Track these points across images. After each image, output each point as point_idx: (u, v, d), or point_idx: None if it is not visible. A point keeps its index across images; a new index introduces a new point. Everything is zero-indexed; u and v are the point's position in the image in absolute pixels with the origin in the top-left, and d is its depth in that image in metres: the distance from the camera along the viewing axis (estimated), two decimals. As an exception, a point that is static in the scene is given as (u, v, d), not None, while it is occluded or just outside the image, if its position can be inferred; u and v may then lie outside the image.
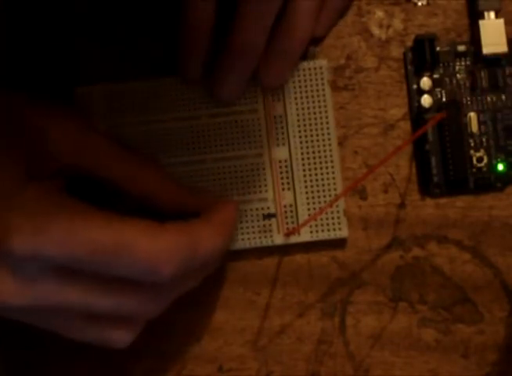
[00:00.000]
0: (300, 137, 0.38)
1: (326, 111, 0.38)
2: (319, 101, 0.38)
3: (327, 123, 0.38)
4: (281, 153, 0.38)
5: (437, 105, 0.39)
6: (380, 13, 0.39)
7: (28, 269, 0.31)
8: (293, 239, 0.38)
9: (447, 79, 0.39)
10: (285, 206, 0.38)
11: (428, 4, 0.39)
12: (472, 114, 0.39)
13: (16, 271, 0.31)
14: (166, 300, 0.34)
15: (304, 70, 0.38)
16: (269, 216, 0.38)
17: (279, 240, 0.38)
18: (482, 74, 0.39)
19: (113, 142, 0.34)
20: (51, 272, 0.31)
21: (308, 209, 0.38)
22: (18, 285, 0.31)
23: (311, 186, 0.38)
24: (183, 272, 0.32)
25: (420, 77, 0.39)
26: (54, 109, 0.34)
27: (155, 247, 0.31)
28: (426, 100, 0.39)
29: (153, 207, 0.35)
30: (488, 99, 0.39)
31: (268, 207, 0.38)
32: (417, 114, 0.39)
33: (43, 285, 0.31)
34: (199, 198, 0.36)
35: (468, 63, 0.39)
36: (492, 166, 0.39)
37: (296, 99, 0.38)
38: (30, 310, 0.32)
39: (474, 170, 0.39)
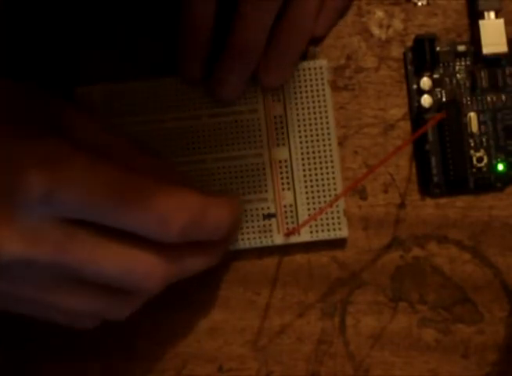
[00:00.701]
0: (300, 137, 0.38)
1: (326, 111, 0.38)
2: (319, 101, 0.38)
3: (327, 123, 0.38)
4: (281, 153, 0.38)
5: (437, 105, 0.39)
6: (380, 13, 0.39)
7: (36, 213, 0.29)
8: (293, 239, 0.38)
9: (447, 79, 0.39)
10: (285, 206, 0.38)
11: (428, 4, 0.39)
12: (472, 114, 0.39)
13: (22, 214, 0.29)
14: (173, 267, 0.33)
15: (304, 70, 0.38)
16: (269, 216, 0.38)
17: (279, 240, 0.38)
18: (482, 74, 0.39)
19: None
20: (58, 223, 0.30)
21: (308, 209, 0.38)
22: (20, 230, 0.29)
23: (311, 186, 0.38)
24: (190, 237, 0.32)
25: (420, 77, 0.39)
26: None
27: (167, 202, 0.31)
28: (426, 100, 0.39)
29: None
30: (488, 99, 0.39)
31: (268, 207, 0.38)
32: (417, 114, 0.39)
33: (48, 235, 0.30)
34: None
35: (468, 63, 0.39)
36: (492, 166, 0.39)
37: (296, 99, 0.38)
38: (23, 267, 0.30)
39: (474, 170, 0.39)
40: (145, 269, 0.32)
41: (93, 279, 0.31)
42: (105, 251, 0.31)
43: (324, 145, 0.38)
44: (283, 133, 0.38)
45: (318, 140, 0.38)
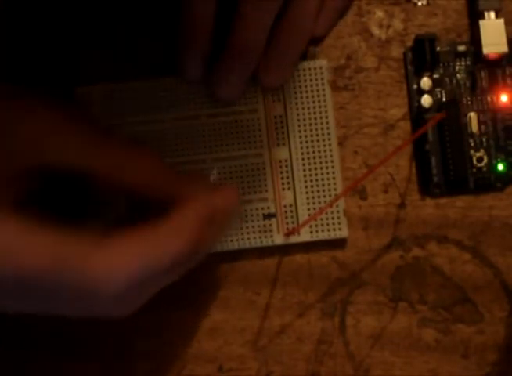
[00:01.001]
0: (300, 137, 0.38)
1: (326, 111, 0.38)
2: (319, 101, 0.38)
3: (327, 123, 0.38)
4: (281, 153, 0.38)
5: (437, 105, 0.39)
6: (380, 13, 0.39)
7: None
8: (294, 239, 0.38)
9: (447, 79, 0.39)
10: (285, 206, 0.38)
11: (428, 4, 0.39)
12: (472, 114, 0.39)
13: None
14: (139, 301, 0.30)
15: (304, 70, 0.38)
16: (269, 216, 0.38)
17: (279, 240, 0.38)
18: (482, 74, 0.39)
19: (100, 130, 0.31)
20: None
21: (308, 209, 0.38)
22: None
23: (312, 186, 0.38)
24: (144, 281, 0.29)
25: (420, 77, 0.39)
26: (33, 100, 0.30)
27: (105, 260, 0.27)
28: (426, 100, 0.39)
29: (143, 202, 0.32)
30: (488, 99, 0.39)
31: (268, 207, 0.38)
32: (417, 114, 0.39)
33: None
34: (196, 187, 0.33)
35: (468, 63, 0.39)
36: (492, 166, 0.39)
37: (296, 99, 0.38)
38: None
39: (474, 170, 0.39)
40: (86, 270, 0.28)
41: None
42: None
43: (324, 145, 0.38)
44: (283, 133, 0.38)
45: (318, 140, 0.38)
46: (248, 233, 0.38)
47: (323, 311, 0.39)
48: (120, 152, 0.31)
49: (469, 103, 0.39)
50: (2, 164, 0.29)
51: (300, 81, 0.38)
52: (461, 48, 0.39)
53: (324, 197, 0.38)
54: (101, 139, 0.30)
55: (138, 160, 0.31)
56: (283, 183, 0.38)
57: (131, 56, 0.39)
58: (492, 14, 0.38)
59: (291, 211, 0.38)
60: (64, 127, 0.30)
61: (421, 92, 0.39)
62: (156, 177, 0.32)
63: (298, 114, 0.38)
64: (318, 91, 0.38)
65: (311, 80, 0.38)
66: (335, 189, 0.38)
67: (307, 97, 0.38)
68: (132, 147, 0.32)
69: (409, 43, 0.39)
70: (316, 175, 0.38)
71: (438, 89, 0.39)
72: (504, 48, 0.38)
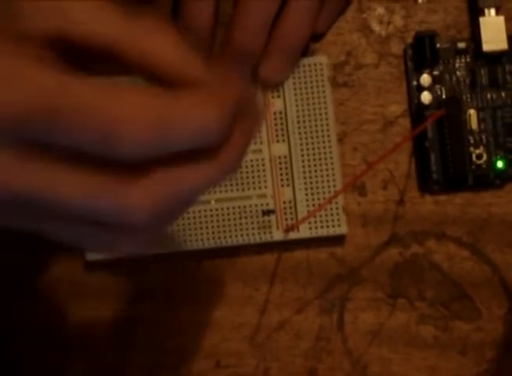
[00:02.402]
0: (299, 133, 0.38)
1: (325, 108, 0.38)
2: (318, 97, 0.38)
3: (327, 119, 0.38)
4: (280, 149, 0.38)
5: (436, 102, 0.39)
6: (380, 10, 0.39)
7: None
8: (293, 235, 0.38)
9: (447, 76, 0.39)
10: (284, 202, 0.38)
11: (428, 1, 0.39)
12: (472, 111, 0.39)
13: None
14: (152, 190, 0.25)
15: (304, 66, 0.38)
16: (268, 212, 0.38)
17: (278, 236, 0.38)
18: (482, 71, 0.39)
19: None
20: (6, 148, 0.24)
21: (308, 205, 0.38)
22: None
23: (311, 183, 0.38)
24: (157, 148, 0.25)
25: (420, 73, 0.39)
26: None
27: (112, 107, 0.24)
28: (426, 97, 0.39)
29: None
30: (488, 96, 0.39)
31: (268, 204, 0.38)
32: (417, 111, 0.39)
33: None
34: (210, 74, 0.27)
35: (468, 60, 0.39)
36: (491, 163, 0.39)
37: (296, 95, 0.38)
38: None
39: (474, 167, 0.39)
40: (119, 197, 0.25)
41: (60, 212, 0.25)
42: (64, 179, 0.25)
43: (324, 141, 0.38)
44: (282, 129, 0.38)
45: (317, 136, 0.38)
46: (247, 229, 0.38)
47: (322, 307, 0.39)
48: (148, 25, 0.26)
49: (469, 100, 0.39)
50: (24, 21, 0.25)
51: (300, 78, 0.38)
52: (461, 45, 0.39)
53: (323, 193, 0.38)
54: (113, 9, 0.26)
55: (153, 33, 0.26)
56: (282, 179, 0.38)
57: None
58: (493, 11, 0.38)
59: (290, 208, 0.38)
60: None
61: (421, 88, 0.39)
62: (170, 54, 0.26)
63: (298, 111, 0.38)
64: (318, 87, 0.38)
65: (311, 76, 0.38)
66: (334, 186, 0.38)
67: (307, 93, 0.38)
68: (163, 24, 0.26)
69: (409, 40, 0.39)
70: (315, 171, 0.38)
71: (437, 86, 0.39)
72: (504, 46, 0.38)
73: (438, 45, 0.39)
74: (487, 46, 0.38)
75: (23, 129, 0.24)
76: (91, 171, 0.25)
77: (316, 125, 0.38)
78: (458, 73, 0.39)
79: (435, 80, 0.39)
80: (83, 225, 0.26)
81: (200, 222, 0.38)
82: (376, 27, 0.39)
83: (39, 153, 0.24)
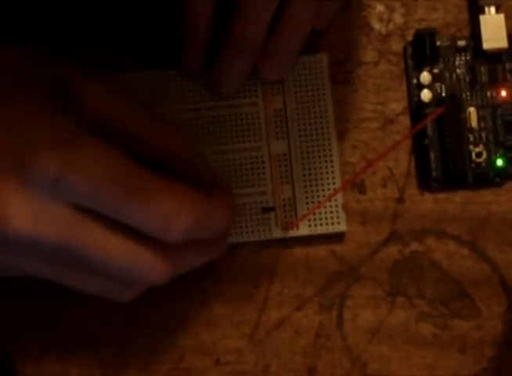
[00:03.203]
0: (299, 131, 0.38)
1: (325, 105, 0.38)
2: (318, 95, 0.38)
3: (327, 117, 0.38)
4: (280, 146, 0.38)
5: (436, 100, 0.39)
6: (380, 7, 0.39)
7: (46, 193, 0.29)
8: (292, 233, 0.38)
9: (447, 74, 0.39)
10: (283, 200, 0.38)
11: (429, -2, 0.39)
12: (472, 109, 0.39)
13: (33, 191, 0.29)
14: (175, 263, 0.33)
15: (304, 63, 0.38)
16: (268, 210, 0.38)
17: (277, 233, 0.38)
18: (482, 69, 0.39)
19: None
20: (68, 207, 0.30)
21: (307, 203, 0.38)
22: (29, 207, 0.29)
23: (310, 180, 0.38)
24: (192, 237, 0.32)
25: (420, 71, 0.39)
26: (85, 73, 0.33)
27: (174, 201, 0.31)
28: (425, 95, 0.39)
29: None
30: (488, 94, 0.39)
31: (267, 201, 0.38)
32: (417, 109, 0.39)
33: (56, 216, 0.30)
34: (211, 176, 0.36)
35: (468, 58, 0.39)
36: (491, 161, 0.39)
37: (296, 92, 0.38)
38: (32, 244, 0.30)
39: (473, 165, 0.39)
40: (148, 264, 0.32)
41: (97, 267, 0.31)
42: (111, 241, 0.31)
43: (323, 139, 0.38)
44: (282, 127, 0.38)
45: (317, 134, 0.38)
46: (247, 226, 0.38)
47: (321, 305, 0.39)
48: (158, 124, 0.34)
49: (468, 97, 0.39)
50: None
51: (299, 75, 0.38)
52: (461, 43, 0.39)
53: (323, 190, 0.38)
54: (143, 110, 0.33)
55: (173, 134, 0.34)
56: (281, 177, 0.38)
57: (132, 48, 0.39)
58: (493, 9, 0.38)
59: (290, 205, 0.38)
60: (110, 92, 0.33)
61: (421, 86, 0.39)
62: (185, 152, 0.34)
63: (298, 108, 0.38)
64: (317, 85, 0.38)
65: (310, 74, 0.38)
66: (334, 184, 0.38)
67: (306, 91, 0.38)
68: (167, 122, 0.34)
69: (410, 37, 0.39)
70: (315, 169, 0.38)
71: (437, 84, 0.39)
72: (504, 44, 0.38)
73: (438, 43, 0.39)
74: (487, 44, 0.38)
75: (94, 202, 0.30)
76: (133, 238, 0.31)
77: (316, 123, 0.38)
78: (458, 71, 0.39)
79: (435, 78, 0.39)
80: (105, 278, 0.32)
81: (200, 220, 0.38)
82: (376, 24, 0.39)
83: (95, 219, 0.31)
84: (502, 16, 0.38)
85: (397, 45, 0.39)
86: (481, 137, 0.39)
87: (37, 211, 0.29)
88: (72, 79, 0.32)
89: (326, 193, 0.38)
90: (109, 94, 0.33)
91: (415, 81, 0.39)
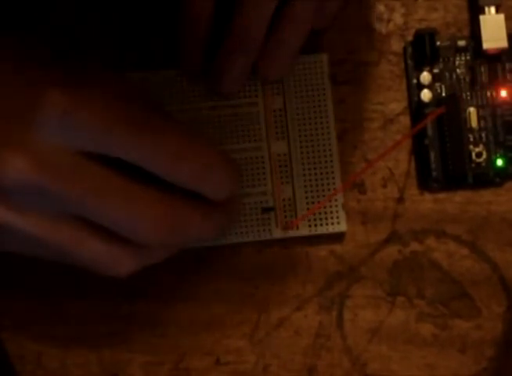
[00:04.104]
0: (299, 131, 0.38)
1: (325, 105, 0.38)
2: (318, 95, 0.38)
3: (327, 117, 0.38)
4: (280, 146, 0.38)
5: (436, 100, 0.39)
6: (380, 7, 0.39)
7: (51, 137, 0.29)
8: (292, 233, 0.38)
9: (447, 74, 0.39)
10: (284, 200, 0.38)
11: (429, -2, 0.40)
12: (472, 109, 0.39)
13: (37, 134, 0.29)
14: (179, 222, 0.32)
15: (304, 63, 0.38)
16: (268, 210, 0.38)
17: (277, 233, 0.38)
18: (482, 69, 0.39)
19: (155, 112, 0.33)
20: (71, 154, 0.30)
21: (307, 203, 0.38)
22: (32, 152, 0.29)
23: (310, 180, 0.38)
24: (196, 185, 0.32)
25: (420, 71, 0.39)
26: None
27: (181, 143, 0.31)
28: (425, 95, 0.39)
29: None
30: (488, 94, 0.39)
31: (267, 201, 0.38)
32: (417, 109, 0.39)
33: (58, 162, 0.30)
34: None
35: (468, 58, 0.39)
36: (491, 161, 0.39)
37: (296, 92, 0.38)
38: (29, 194, 0.30)
39: (473, 165, 0.39)
40: (149, 217, 0.31)
41: (94, 218, 0.31)
42: (111, 191, 0.31)
43: (323, 139, 0.38)
44: (282, 127, 0.38)
45: (317, 134, 0.38)
46: (247, 226, 0.38)
47: (321, 305, 0.39)
48: (175, 141, 0.32)
49: (468, 97, 0.39)
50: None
51: (300, 75, 0.38)
52: (461, 43, 0.39)
53: (323, 190, 0.38)
54: (152, 124, 0.31)
55: (194, 155, 0.32)
56: (281, 177, 0.38)
57: (132, 48, 0.39)
58: (493, 9, 0.38)
59: (290, 205, 0.38)
60: (113, 105, 0.31)
61: (421, 86, 0.39)
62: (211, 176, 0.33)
63: (298, 108, 0.38)
64: (318, 85, 0.38)
65: (311, 74, 0.38)
66: (334, 184, 0.38)
67: (307, 91, 0.38)
68: (189, 136, 0.32)
69: (410, 37, 0.39)
70: (315, 168, 0.38)
71: (437, 84, 0.39)
72: (504, 44, 0.38)
73: (438, 43, 0.39)
74: (487, 44, 0.38)
75: (101, 141, 0.30)
76: (137, 190, 0.31)
77: (316, 123, 0.38)
78: (458, 71, 0.39)
79: (435, 78, 0.39)
80: (105, 240, 0.32)
81: (200, 219, 0.38)
82: (376, 24, 0.39)
83: (98, 167, 0.30)
84: (502, 16, 0.38)
85: (397, 45, 0.39)
86: (481, 137, 0.39)
87: (41, 155, 0.29)
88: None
89: (326, 193, 0.38)
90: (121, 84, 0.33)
91: (415, 81, 0.39)
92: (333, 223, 0.38)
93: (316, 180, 0.38)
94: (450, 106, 0.38)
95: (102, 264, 0.32)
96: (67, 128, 0.29)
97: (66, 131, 0.30)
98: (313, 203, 0.38)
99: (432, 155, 0.39)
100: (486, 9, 0.38)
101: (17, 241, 0.32)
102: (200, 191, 0.32)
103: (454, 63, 0.39)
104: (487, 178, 0.39)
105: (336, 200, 0.38)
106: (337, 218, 0.38)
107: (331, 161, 0.38)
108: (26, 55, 0.31)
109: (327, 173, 0.38)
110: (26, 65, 0.30)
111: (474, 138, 0.39)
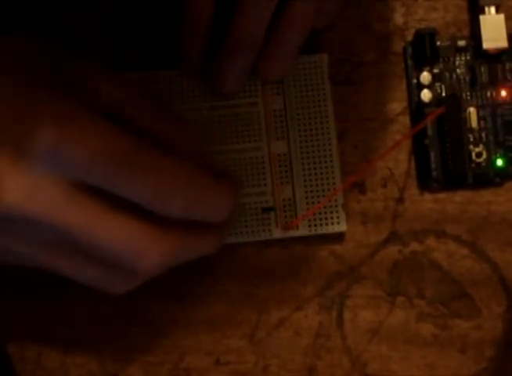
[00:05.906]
0: (299, 131, 0.38)
1: (325, 105, 0.38)
2: (318, 95, 0.38)
3: (327, 117, 0.38)
4: (280, 146, 0.38)
5: (436, 100, 0.39)
6: (380, 7, 0.39)
7: (41, 167, 0.29)
8: (292, 233, 0.38)
9: (447, 74, 0.39)
10: (283, 200, 0.38)
11: (429, -2, 0.40)
12: (472, 109, 0.39)
13: (27, 165, 0.29)
14: (171, 249, 0.32)
15: (304, 63, 0.38)
16: (268, 210, 0.38)
17: (277, 233, 0.38)
18: (482, 69, 0.39)
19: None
20: (61, 183, 0.30)
21: (307, 203, 0.38)
22: (23, 182, 0.29)
23: (310, 180, 0.38)
24: (192, 215, 0.32)
25: (420, 71, 0.39)
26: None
27: (174, 177, 0.31)
28: (425, 95, 0.39)
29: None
30: (488, 94, 0.39)
31: (267, 201, 0.38)
32: (417, 109, 0.39)
33: (48, 192, 0.29)
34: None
35: (468, 57, 0.39)
36: (491, 161, 0.39)
37: (296, 92, 0.38)
38: (22, 223, 0.30)
39: (473, 165, 0.39)
40: (140, 247, 0.31)
41: (87, 248, 0.31)
42: (102, 221, 0.30)
43: (323, 139, 0.38)
44: (282, 127, 0.38)
45: (317, 134, 0.38)
46: (246, 226, 0.38)
47: (321, 305, 0.39)
48: (165, 177, 0.32)
49: (468, 97, 0.39)
50: None
51: (300, 75, 0.38)
52: (461, 42, 0.39)
53: (323, 191, 0.38)
54: (141, 158, 0.31)
55: (186, 187, 0.32)
56: (281, 177, 0.38)
57: (133, 48, 0.39)
58: (493, 9, 0.38)
59: (290, 205, 0.38)
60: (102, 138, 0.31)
61: (421, 86, 0.39)
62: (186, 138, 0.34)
63: (298, 108, 0.38)
64: (317, 85, 0.38)
65: (310, 74, 0.38)
66: (334, 184, 0.38)
67: (306, 91, 0.38)
68: (179, 165, 0.32)
69: (410, 37, 0.39)
70: (315, 169, 0.38)
71: (437, 84, 0.39)
72: (504, 44, 0.38)
73: (438, 43, 0.39)
74: (487, 44, 0.38)
75: (90, 174, 0.30)
76: (128, 218, 0.31)
77: (316, 123, 0.38)
78: (458, 71, 0.39)
79: (435, 78, 0.39)
80: (99, 266, 0.32)
81: (200, 219, 0.38)
82: (376, 24, 0.39)
83: (89, 197, 0.30)
84: (502, 16, 0.38)
85: (397, 45, 0.39)
86: (481, 137, 0.39)
87: (32, 187, 0.29)
88: (86, 74, 0.32)
89: (326, 193, 0.38)
90: (120, 85, 0.33)
91: (415, 81, 0.39)
92: (333, 223, 0.38)
93: (316, 180, 0.38)
94: (450, 106, 0.38)
95: (100, 285, 0.33)
96: (54, 162, 0.29)
97: (53, 165, 0.29)
98: (313, 203, 0.38)
99: (432, 155, 0.39)
100: (486, 9, 0.38)
101: (12, 257, 0.32)
102: (197, 219, 0.33)
103: (454, 63, 0.39)
104: (487, 178, 0.39)
105: (336, 200, 0.38)
106: (337, 218, 0.38)
107: (331, 161, 0.38)
108: (26, 71, 0.31)
109: (327, 173, 0.38)
110: (26, 87, 0.30)
111: (474, 138, 0.39)
